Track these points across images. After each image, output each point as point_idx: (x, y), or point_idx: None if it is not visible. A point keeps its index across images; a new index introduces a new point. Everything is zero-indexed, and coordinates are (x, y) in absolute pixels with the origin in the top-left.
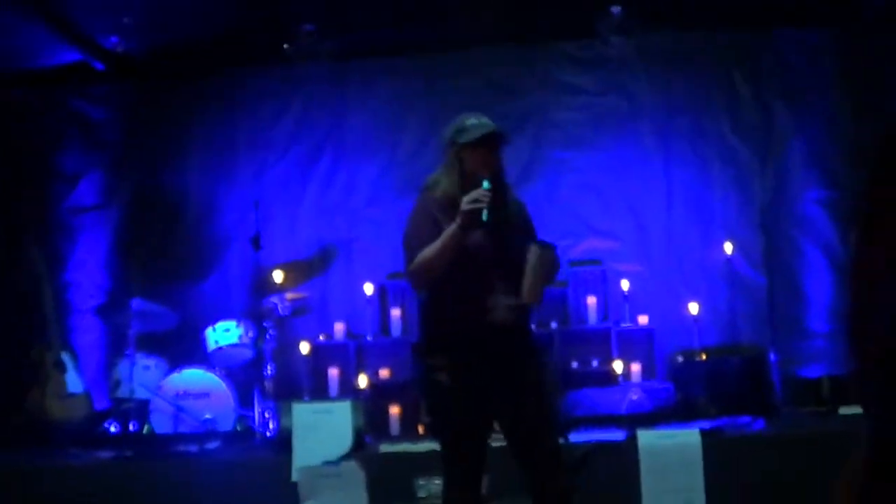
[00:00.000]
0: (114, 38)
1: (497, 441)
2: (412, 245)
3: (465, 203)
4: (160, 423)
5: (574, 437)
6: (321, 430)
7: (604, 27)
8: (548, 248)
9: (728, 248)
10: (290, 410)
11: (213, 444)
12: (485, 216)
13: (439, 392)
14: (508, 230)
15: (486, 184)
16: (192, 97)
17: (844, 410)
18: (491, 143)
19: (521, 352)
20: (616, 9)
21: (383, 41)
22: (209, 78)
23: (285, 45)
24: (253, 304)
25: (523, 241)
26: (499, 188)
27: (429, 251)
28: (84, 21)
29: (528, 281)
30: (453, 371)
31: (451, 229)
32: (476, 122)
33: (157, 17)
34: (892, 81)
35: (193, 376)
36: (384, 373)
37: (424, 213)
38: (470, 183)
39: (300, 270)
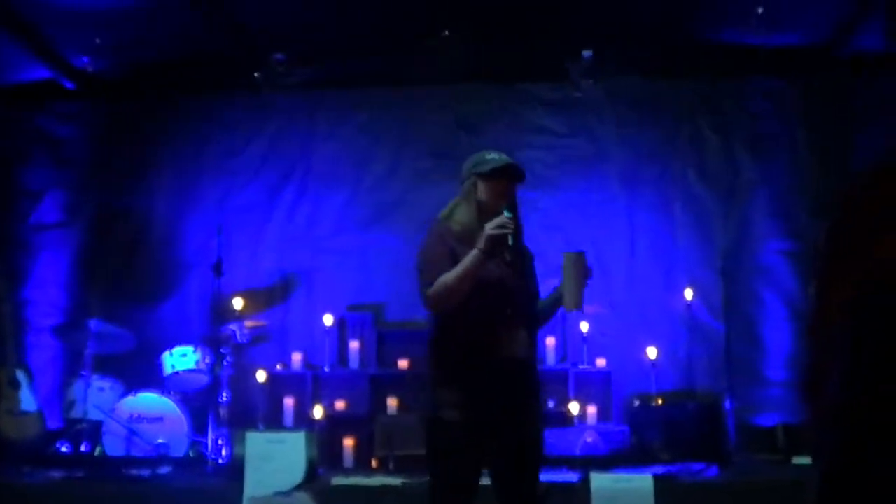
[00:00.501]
0: (85, 58)
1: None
2: (429, 270)
3: (491, 228)
4: (113, 445)
5: None
6: (274, 460)
7: (574, 70)
8: (582, 254)
9: (688, 293)
10: (243, 438)
11: (165, 469)
12: (510, 241)
13: (446, 429)
14: (523, 264)
15: (507, 212)
16: (160, 120)
17: (798, 460)
18: (507, 176)
19: (529, 389)
20: (587, 53)
21: (354, 72)
22: (178, 102)
23: (256, 74)
24: (211, 330)
25: (534, 275)
26: (516, 217)
27: (450, 276)
28: (56, 39)
29: (568, 288)
30: (464, 407)
31: (473, 255)
32: (496, 157)
33: (130, 40)
34: (857, 134)
35: (148, 400)
36: (340, 405)
37: (441, 241)
38: (485, 214)
39: (260, 298)
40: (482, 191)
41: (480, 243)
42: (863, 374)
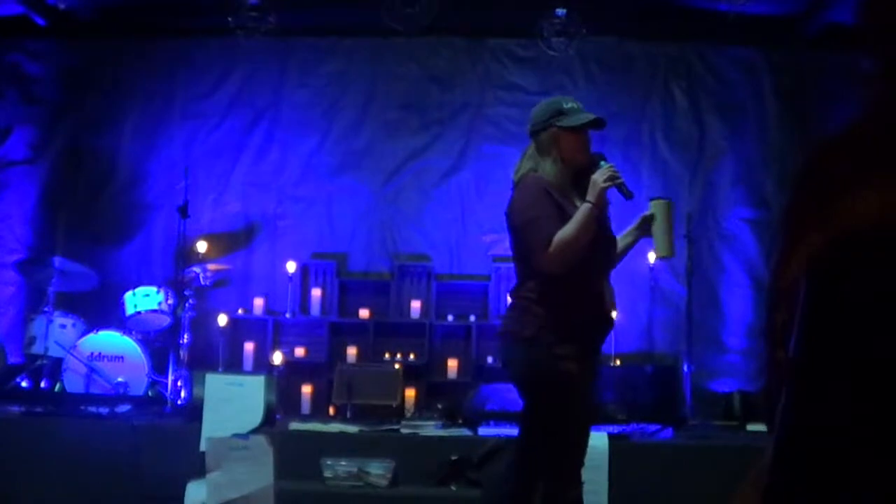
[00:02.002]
0: None
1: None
2: (540, 228)
3: (602, 180)
4: (72, 382)
5: (483, 431)
6: (232, 403)
7: (547, 28)
8: (669, 201)
9: (652, 257)
10: (203, 380)
11: (123, 408)
12: (626, 191)
13: (567, 383)
14: (603, 216)
15: (603, 162)
16: (131, 61)
17: (752, 427)
18: (586, 130)
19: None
20: (561, 11)
21: (327, 21)
22: (150, 43)
23: (229, 18)
24: (175, 271)
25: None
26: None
27: (569, 232)
28: None
29: (659, 234)
30: (579, 360)
31: (586, 207)
32: (574, 106)
33: None
34: (826, 107)
35: (109, 339)
36: (300, 351)
37: (546, 197)
38: (568, 167)
39: (224, 242)
40: (565, 143)
41: (591, 196)
42: (823, 330)
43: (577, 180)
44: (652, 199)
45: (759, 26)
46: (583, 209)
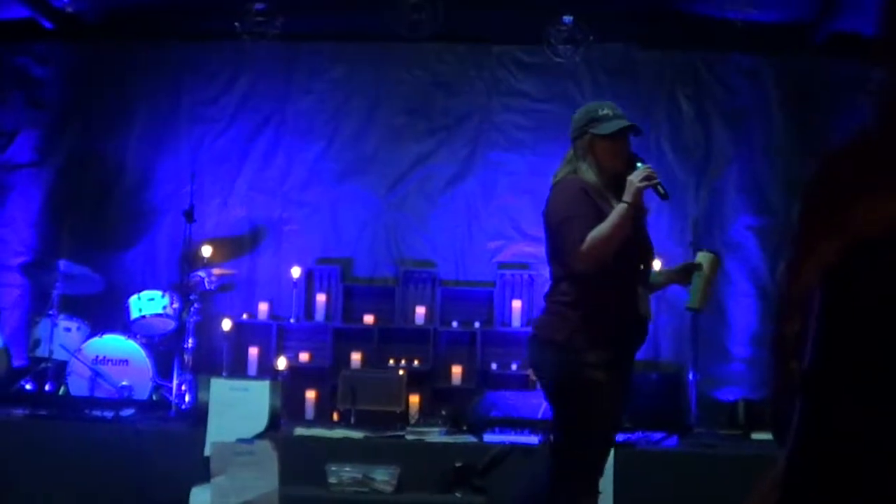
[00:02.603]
0: None
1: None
2: (575, 226)
3: (638, 181)
4: (77, 385)
5: (488, 438)
6: (237, 407)
7: (554, 35)
8: (718, 256)
9: (657, 264)
10: (207, 384)
11: (128, 411)
12: (662, 191)
13: (593, 392)
14: (641, 222)
15: (640, 164)
16: (138, 65)
17: (757, 435)
18: (625, 136)
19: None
20: (567, 18)
21: (333, 26)
22: (157, 47)
23: (236, 24)
24: (180, 276)
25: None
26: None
27: (603, 230)
28: None
29: (698, 287)
30: (610, 368)
31: (621, 207)
32: (609, 113)
33: None
34: (832, 115)
35: (114, 342)
36: (304, 357)
37: (584, 196)
38: (604, 172)
39: (229, 247)
40: (600, 150)
41: (628, 196)
42: (838, 339)
43: (617, 183)
44: (700, 251)
45: (766, 34)
46: (618, 208)
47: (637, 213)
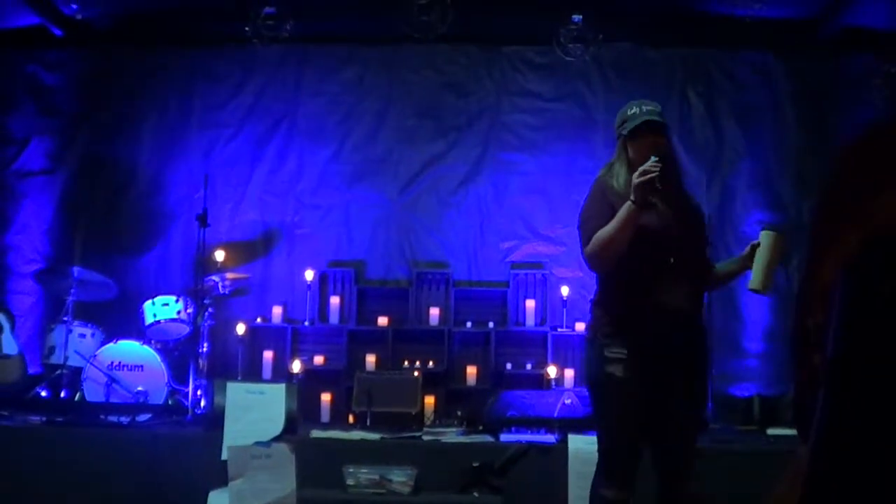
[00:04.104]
0: (74, 6)
1: (429, 434)
2: (589, 226)
3: (636, 177)
4: (92, 391)
5: (505, 438)
6: (253, 411)
7: (564, 34)
8: (782, 234)
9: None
10: (223, 388)
11: (144, 417)
12: (657, 184)
13: (610, 385)
14: (689, 213)
15: (653, 158)
16: (148, 70)
17: (773, 431)
18: (650, 131)
19: (691, 344)
20: (577, 18)
21: (343, 29)
22: (167, 52)
23: (246, 28)
24: (194, 280)
25: (702, 227)
26: (671, 166)
27: (606, 230)
28: None
29: (760, 267)
30: (628, 363)
31: (625, 206)
32: (636, 111)
33: None
34: (843, 110)
35: (129, 348)
36: (319, 359)
37: (601, 197)
38: (634, 171)
39: (242, 251)
40: (631, 150)
41: (632, 194)
42: (861, 330)
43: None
44: (763, 229)
45: (776, 30)
46: (623, 207)
47: (681, 207)
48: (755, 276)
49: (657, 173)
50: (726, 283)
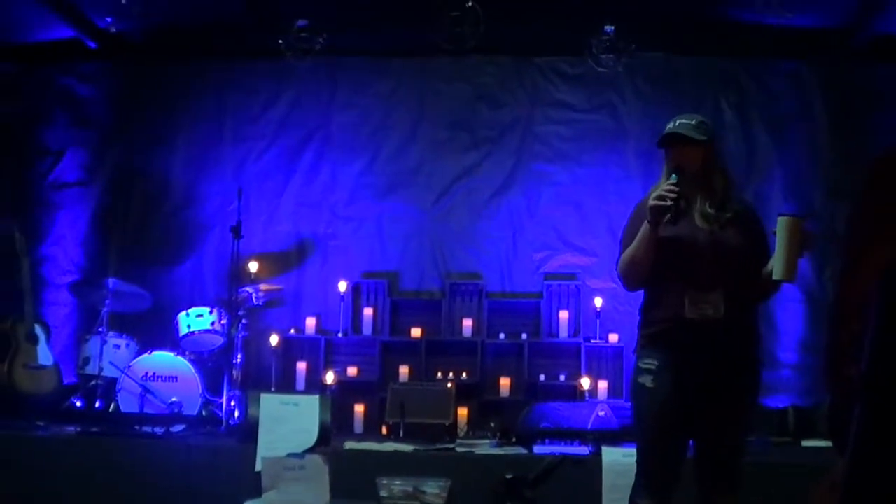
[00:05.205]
0: (109, 18)
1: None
2: (623, 245)
3: (652, 198)
4: (127, 402)
5: (538, 449)
6: (287, 422)
7: (596, 45)
8: (798, 218)
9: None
10: (257, 399)
11: (178, 427)
12: (672, 210)
13: (641, 396)
14: (725, 218)
15: (673, 177)
16: (182, 82)
17: (808, 442)
18: (675, 143)
19: (728, 352)
20: (609, 28)
21: (376, 41)
22: (201, 65)
23: (280, 41)
24: (228, 292)
25: (748, 233)
26: (705, 177)
27: (629, 251)
28: None
29: (779, 255)
30: (658, 373)
31: (643, 226)
32: (670, 125)
33: (154, 2)
34: (875, 119)
35: (163, 359)
36: (352, 371)
37: (636, 216)
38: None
39: (276, 263)
40: (665, 162)
41: (647, 214)
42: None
43: (701, 186)
44: (780, 215)
45: (807, 38)
46: (642, 228)
47: (717, 213)
48: (776, 266)
49: (670, 196)
50: (778, 286)
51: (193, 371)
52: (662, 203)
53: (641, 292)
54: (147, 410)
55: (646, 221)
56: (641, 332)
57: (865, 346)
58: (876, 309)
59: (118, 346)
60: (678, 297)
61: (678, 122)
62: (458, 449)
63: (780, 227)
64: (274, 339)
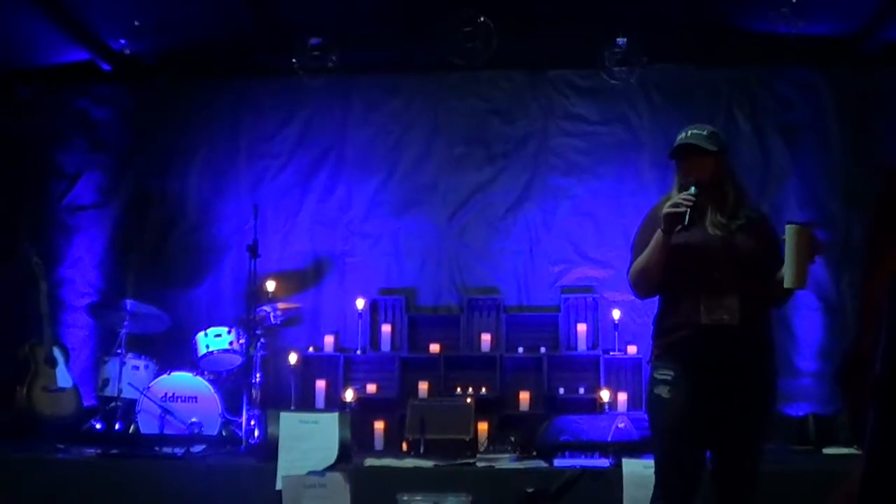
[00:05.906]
0: (122, 41)
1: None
2: (634, 253)
3: (666, 207)
4: (146, 423)
5: (559, 463)
6: (307, 441)
7: (609, 57)
8: (806, 225)
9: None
10: (277, 418)
11: (198, 448)
12: (686, 219)
13: (658, 407)
14: (737, 225)
15: (693, 189)
16: (196, 103)
17: (828, 450)
18: (687, 154)
19: (744, 360)
20: (621, 40)
21: (389, 58)
22: (215, 85)
23: (293, 59)
24: (245, 311)
25: (752, 237)
26: (708, 192)
27: (640, 258)
28: (94, 22)
29: (789, 263)
30: (673, 384)
31: (656, 234)
32: (682, 136)
33: (167, 23)
34: (888, 125)
35: (182, 380)
36: (371, 388)
37: (648, 224)
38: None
39: (293, 281)
40: (677, 174)
41: (661, 223)
42: None
43: (713, 197)
44: (788, 223)
45: (819, 47)
46: (655, 236)
47: (726, 229)
48: (787, 273)
49: (686, 206)
50: (790, 293)
51: (213, 391)
52: (677, 210)
53: (657, 303)
54: (167, 431)
55: (659, 229)
56: (657, 342)
57: (879, 349)
58: (889, 312)
59: (137, 368)
60: (694, 304)
61: (690, 132)
62: (479, 464)
63: (789, 236)
64: (293, 358)
